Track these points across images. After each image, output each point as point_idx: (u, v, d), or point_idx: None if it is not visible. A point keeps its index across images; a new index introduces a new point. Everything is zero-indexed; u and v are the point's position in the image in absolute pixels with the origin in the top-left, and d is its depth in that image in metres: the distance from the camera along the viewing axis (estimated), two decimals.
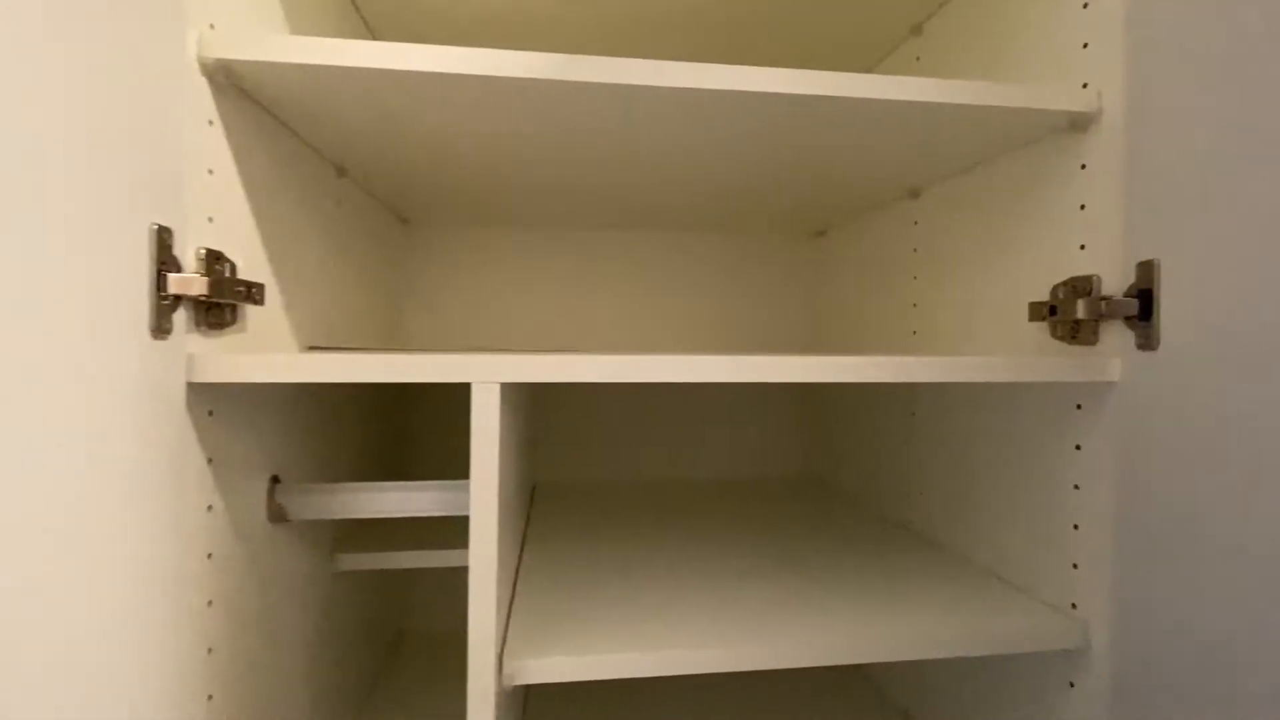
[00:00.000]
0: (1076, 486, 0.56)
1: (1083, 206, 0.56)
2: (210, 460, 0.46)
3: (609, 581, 0.64)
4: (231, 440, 0.48)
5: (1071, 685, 0.56)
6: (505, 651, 0.49)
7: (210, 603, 0.46)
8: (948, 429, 0.76)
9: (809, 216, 1.01)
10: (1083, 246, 0.56)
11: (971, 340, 0.71)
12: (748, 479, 1.13)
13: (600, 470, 1.12)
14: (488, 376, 0.44)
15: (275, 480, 0.56)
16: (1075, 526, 0.56)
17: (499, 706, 0.47)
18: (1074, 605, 0.56)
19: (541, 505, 0.94)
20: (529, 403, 0.98)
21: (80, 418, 0.32)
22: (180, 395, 0.41)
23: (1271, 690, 0.40)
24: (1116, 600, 0.51)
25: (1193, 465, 0.45)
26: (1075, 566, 0.56)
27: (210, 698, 0.46)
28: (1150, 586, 0.48)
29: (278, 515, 0.55)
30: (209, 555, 0.46)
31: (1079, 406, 0.56)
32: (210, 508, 0.46)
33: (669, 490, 1.04)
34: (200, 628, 0.45)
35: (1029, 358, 0.51)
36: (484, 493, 0.45)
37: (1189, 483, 0.45)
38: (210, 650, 0.46)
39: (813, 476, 1.15)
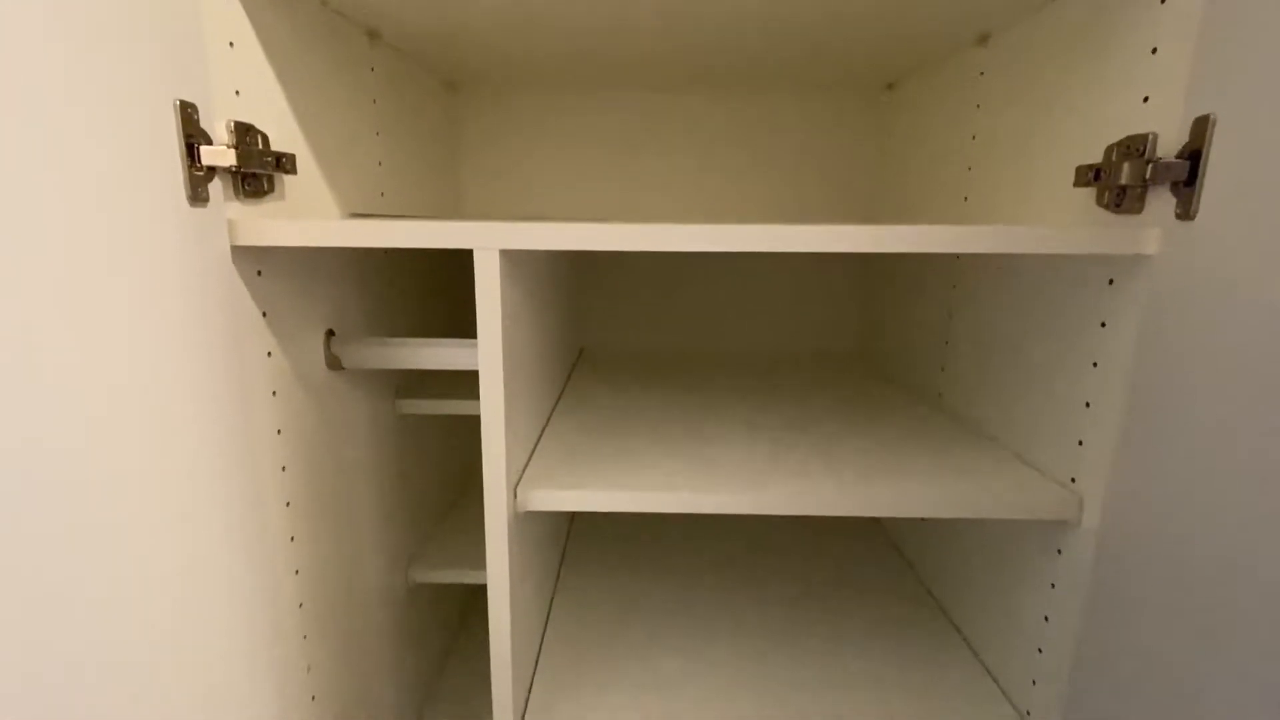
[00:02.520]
0: (1095, 364, 0.54)
1: (1154, 50, 0.49)
2: (265, 314, 0.53)
3: (633, 430, 0.70)
4: (283, 297, 0.55)
5: (1059, 552, 0.58)
6: (520, 483, 0.57)
7: (279, 431, 0.55)
8: (982, 302, 0.73)
9: (876, 64, 0.92)
10: (1146, 99, 0.49)
11: (1021, 208, 0.66)
12: (789, 353, 1.14)
13: (646, 338, 1.16)
14: (488, 243, 0.48)
15: (330, 333, 0.64)
16: (1087, 404, 0.55)
17: (512, 531, 0.55)
18: (1073, 480, 0.56)
19: (585, 366, 1.01)
20: (569, 272, 1.02)
21: (136, 277, 0.38)
22: (226, 256, 0.47)
23: (1249, 588, 0.40)
24: (1115, 479, 0.51)
25: (1213, 351, 0.43)
26: (1080, 444, 0.56)
27: (288, 504, 0.57)
28: (1150, 470, 0.48)
29: (334, 364, 0.64)
30: (274, 393, 0.55)
31: (1111, 281, 0.52)
32: (270, 354, 0.54)
33: (710, 360, 1.07)
34: (273, 449, 0.54)
35: (1062, 229, 0.48)
36: (490, 350, 0.50)
37: (1206, 369, 0.43)
38: (284, 468, 0.56)
39: (856, 352, 1.14)
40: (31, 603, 0.31)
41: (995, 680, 0.68)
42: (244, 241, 0.47)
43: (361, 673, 0.73)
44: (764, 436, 0.69)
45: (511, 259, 0.51)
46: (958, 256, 0.79)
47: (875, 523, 1.03)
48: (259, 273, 0.52)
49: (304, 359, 0.60)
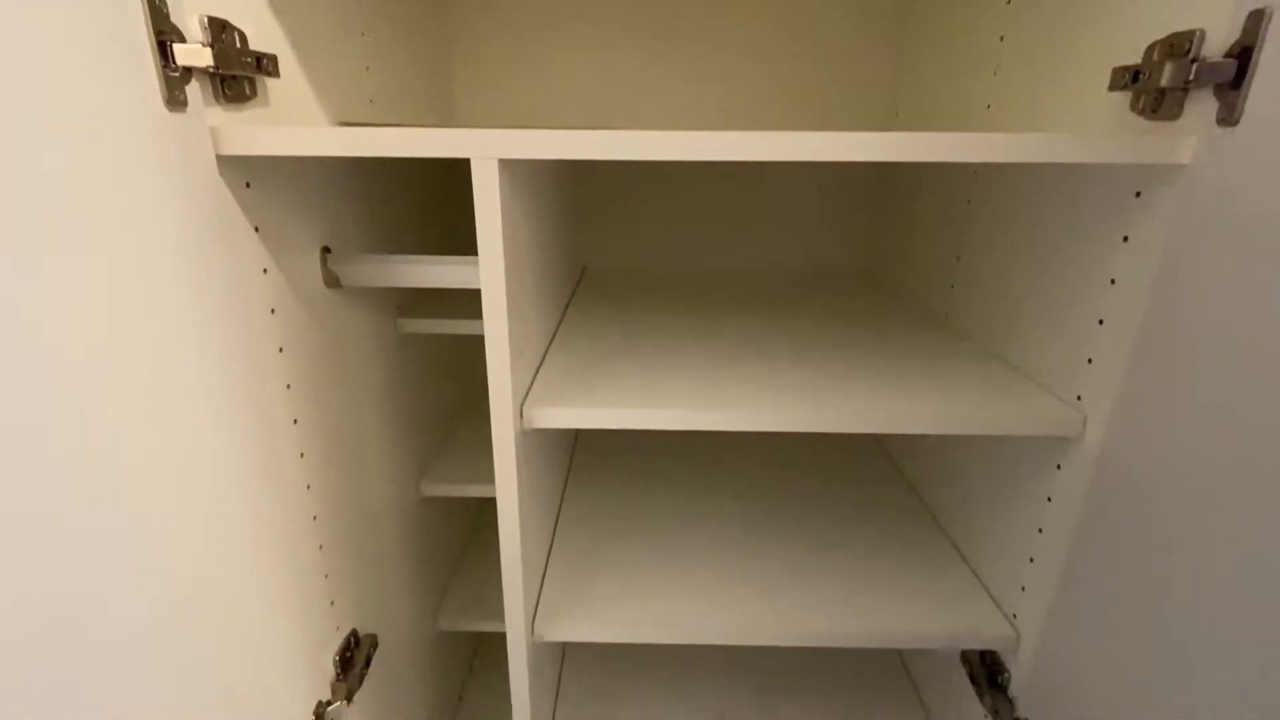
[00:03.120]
0: (1113, 281, 0.53)
1: None
2: (257, 229, 0.51)
3: (637, 349, 0.70)
4: (275, 211, 0.53)
5: (1059, 468, 0.59)
6: (526, 402, 0.57)
7: (281, 349, 0.55)
8: (999, 217, 0.71)
9: None
10: None
11: (1048, 116, 0.63)
12: (800, 270, 1.12)
13: (651, 257, 1.14)
14: (486, 152, 0.45)
15: (326, 250, 0.62)
16: (1100, 321, 0.54)
17: (519, 447, 0.56)
18: (1079, 397, 0.56)
19: (588, 285, 0.99)
20: (570, 185, 0.98)
21: (118, 189, 0.36)
22: (212, 166, 0.45)
23: (1246, 513, 0.41)
24: (1122, 398, 0.51)
25: (1243, 270, 0.41)
26: (1090, 361, 0.55)
27: (295, 421, 0.57)
28: (1159, 390, 0.47)
29: (332, 281, 0.63)
30: (272, 310, 0.54)
31: (1138, 194, 0.50)
32: (266, 270, 0.53)
33: (716, 278, 1.05)
34: (277, 367, 0.54)
35: (1090, 138, 0.45)
36: (492, 267, 0.48)
37: (1232, 288, 0.42)
38: (289, 386, 0.56)
39: (865, 270, 1.12)
40: (43, 528, 0.32)
41: (985, 587, 0.71)
42: (229, 150, 0.45)
43: (377, 580, 0.76)
44: (769, 355, 0.69)
45: (511, 170, 0.49)
46: (976, 170, 0.76)
47: (877, 443, 1.04)
48: (248, 184, 0.50)
49: (301, 276, 0.58)
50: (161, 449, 0.40)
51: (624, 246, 1.13)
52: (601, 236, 1.13)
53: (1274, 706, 0.38)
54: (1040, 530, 0.61)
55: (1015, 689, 0.65)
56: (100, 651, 0.35)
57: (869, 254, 1.12)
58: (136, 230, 0.38)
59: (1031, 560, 0.62)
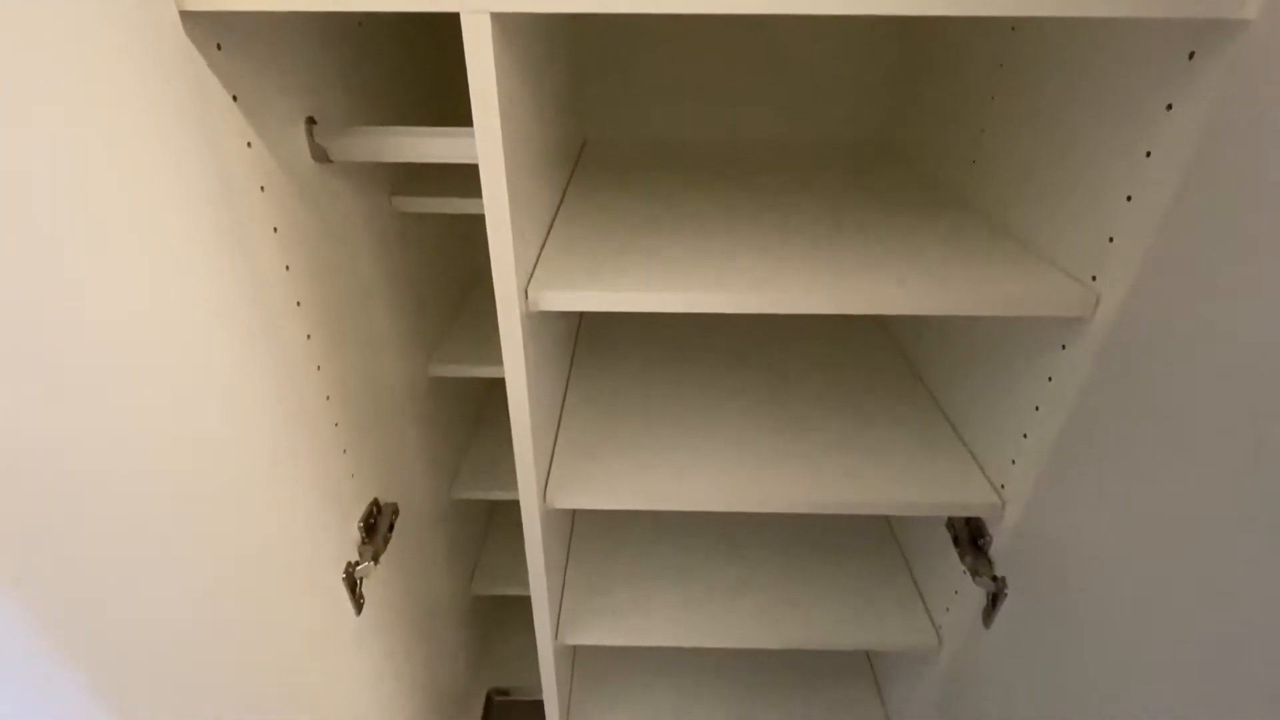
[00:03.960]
0: (1149, 153, 0.50)
1: None
2: (235, 98, 0.48)
3: (642, 228, 0.68)
4: (252, 77, 0.49)
5: (1064, 348, 0.59)
6: (530, 284, 0.56)
7: (276, 229, 0.53)
8: (1032, 81, 0.66)
9: None
10: None
11: None
12: (813, 142, 1.06)
13: (655, 128, 1.07)
14: (477, 5, 0.41)
15: (311, 122, 0.59)
16: (1129, 198, 0.51)
17: (525, 329, 0.55)
18: (1094, 277, 0.55)
19: (590, 160, 0.95)
20: (569, 49, 0.91)
21: (77, 50, 0.33)
22: (177, 25, 0.41)
23: (1253, 399, 0.41)
24: (1145, 276, 0.50)
25: None
26: (1111, 240, 0.53)
27: (299, 304, 0.57)
28: (1187, 268, 0.46)
29: (321, 156, 0.59)
30: (262, 188, 0.51)
31: (1191, 55, 0.46)
32: (250, 144, 0.50)
33: (724, 151, 1.00)
34: (273, 249, 0.53)
35: None
36: (489, 137, 0.45)
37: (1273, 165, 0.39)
38: (288, 267, 0.55)
39: (881, 142, 1.06)
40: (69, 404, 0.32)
41: (977, 460, 0.74)
42: (192, 5, 0.41)
43: (394, 454, 0.79)
44: (778, 234, 0.67)
45: (505, 28, 0.44)
46: (1014, 26, 0.69)
47: (881, 323, 1.04)
48: (219, 46, 0.45)
49: (288, 150, 0.55)
50: (167, 328, 0.40)
51: (627, 117, 1.06)
52: (603, 106, 1.06)
53: (1259, 594, 0.40)
54: (1037, 408, 0.62)
55: (995, 551, 0.70)
56: (155, 504, 0.37)
57: (886, 125, 1.06)
58: (105, 100, 0.35)
59: (1025, 436, 0.64)
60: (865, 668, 1.11)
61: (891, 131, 1.04)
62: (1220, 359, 0.42)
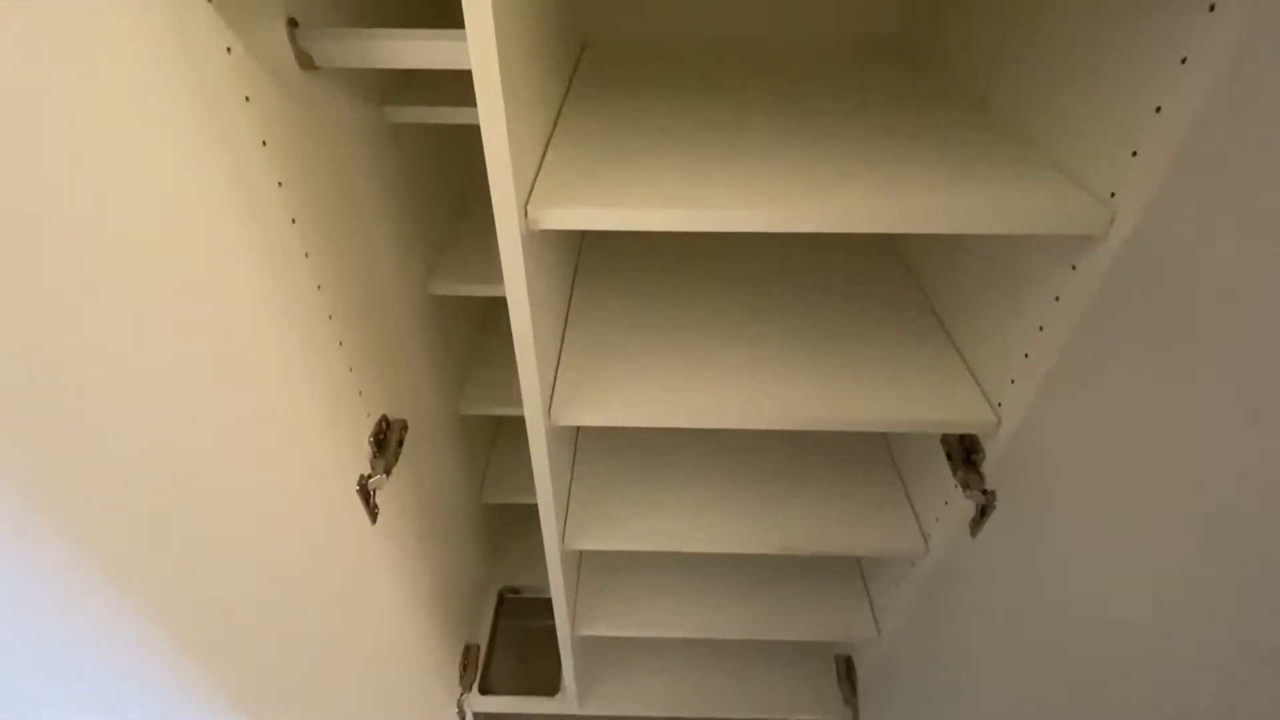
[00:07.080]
0: (1184, 60, 0.46)
1: None
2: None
3: (647, 141, 0.65)
4: None
5: (1073, 268, 0.58)
6: (530, 202, 0.55)
7: (265, 142, 0.51)
8: None
9: None
10: None
11: None
12: (826, 39, 0.99)
13: (658, 26, 1.00)
14: None
15: (293, 24, 0.55)
16: (1158, 109, 0.49)
17: (526, 248, 0.54)
18: (1112, 194, 0.53)
19: (589, 63, 0.89)
20: None
21: None
22: None
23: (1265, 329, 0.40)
24: (1167, 193, 0.48)
25: None
26: (1135, 154, 0.51)
27: (294, 220, 0.56)
28: (1214, 183, 0.44)
29: (306, 62, 0.56)
30: (247, 98, 0.49)
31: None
32: (230, 50, 0.47)
33: (731, 51, 0.94)
34: (264, 163, 0.51)
35: None
36: (482, 39, 0.42)
37: None
38: (280, 183, 0.53)
39: (895, 39, 0.99)
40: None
41: (976, 379, 0.74)
42: None
43: (399, 371, 0.80)
44: (787, 145, 0.64)
45: None
46: None
47: (889, 240, 1.02)
48: None
49: (271, 57, 0.52)
50: (177, 248, 0.39)
51: (630, 16, 0.99)
52: (604, 4, 0.98)
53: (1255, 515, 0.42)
54: (1041, 328, 0.62)
55: (987, 467, 0.72)
56: (179, 420, 0.38)
57: (901, 21, 0.99)
58: (70, 3, 0.33)
59: (1026, 356, 0.65)
60: (854, 567, 1.17)
61: (905, 27, 0.97)
62: (1236, 285, 0.42)
